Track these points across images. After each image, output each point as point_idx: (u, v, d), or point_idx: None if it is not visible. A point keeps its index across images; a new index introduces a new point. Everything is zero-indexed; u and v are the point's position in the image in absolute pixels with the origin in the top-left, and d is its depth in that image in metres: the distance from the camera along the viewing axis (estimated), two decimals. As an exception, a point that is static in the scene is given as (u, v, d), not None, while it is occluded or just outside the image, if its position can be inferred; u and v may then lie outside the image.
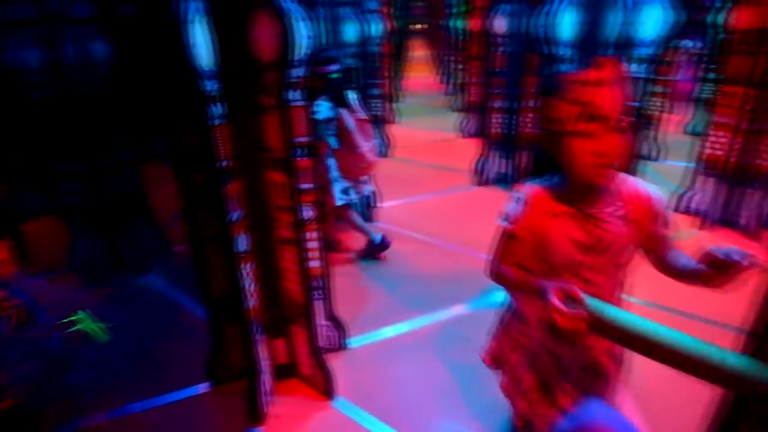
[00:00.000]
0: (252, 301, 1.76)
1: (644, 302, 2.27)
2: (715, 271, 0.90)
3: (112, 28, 2.64)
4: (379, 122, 5.14)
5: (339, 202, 2.88)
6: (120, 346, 1.50)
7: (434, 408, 1.86)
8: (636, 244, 1.06)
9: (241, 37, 1.49)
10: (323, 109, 2.72)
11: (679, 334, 0.86)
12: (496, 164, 4.26)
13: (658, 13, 2.37)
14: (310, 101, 2.21)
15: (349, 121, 2.78)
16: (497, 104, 4.10)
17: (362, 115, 2.89)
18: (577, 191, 1.03)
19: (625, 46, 2.47)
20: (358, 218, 3.04)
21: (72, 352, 1.43)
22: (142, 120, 3.79)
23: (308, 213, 1.78)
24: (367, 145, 2.88)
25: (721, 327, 2.12)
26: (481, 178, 4.31)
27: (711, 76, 3.88)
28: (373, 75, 4.73)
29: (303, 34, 1.53)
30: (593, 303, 0.90)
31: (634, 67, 2.56)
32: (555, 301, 0.91)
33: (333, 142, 2.82)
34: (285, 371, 2.00)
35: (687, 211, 3.35)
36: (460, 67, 6.84)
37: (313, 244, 1.84)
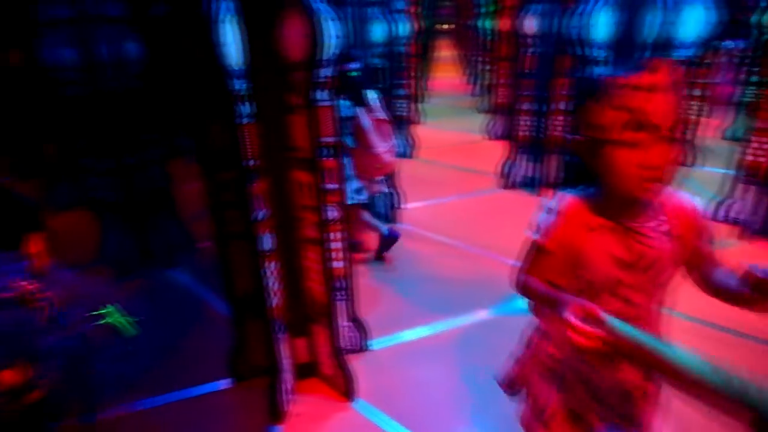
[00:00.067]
0: (275, 299, 1.77)
1: (686, 316, 2.15)
2: (757, 294, 0.84)
3: (144, 28, 2.70)
4: (403, 123, 5.12)
5: (350, 201, 2.87)
6: (145, 340, 1.52)
7: (454, 414, 1.83)
8: (679, 261, 0.99)
9: (271, 37, 1.49)
10: (341, 107, 2.71)
11: (705, 364, 0.79)
12: (523, 167, 4.18)
13: (700, 12, 2.27)
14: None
15: (366, 120, 2.76)
16: (525, 106, 4.02)
17: (381, 115, 2.86)
18: (618, 204, 0.96)
19: (663, 47, 2.38)
20: (368, 216, 3.02)
21: (100, 344, 1.46)
22: (170, 117, 3.87)
23: (333, 213, 1.77)
24: (383, 146, 2.84)
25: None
26: (507, 181, 4.24)
27: (753, 78, 3.72)
28: (399, 75, 4.71)
29: (332, 34, 1.52)
30: (615, 323, 0.85)
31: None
32: (571, 317, 0.85)
33: (349, 141, 2.81)
34: (306, 370, 2.00)
35: (725, 220, 3.21)
36: (488, 67, 6.76)
37: (336, 245, 1.83)
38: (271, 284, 1.73)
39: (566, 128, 3.71)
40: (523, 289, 1.08)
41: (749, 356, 2.02)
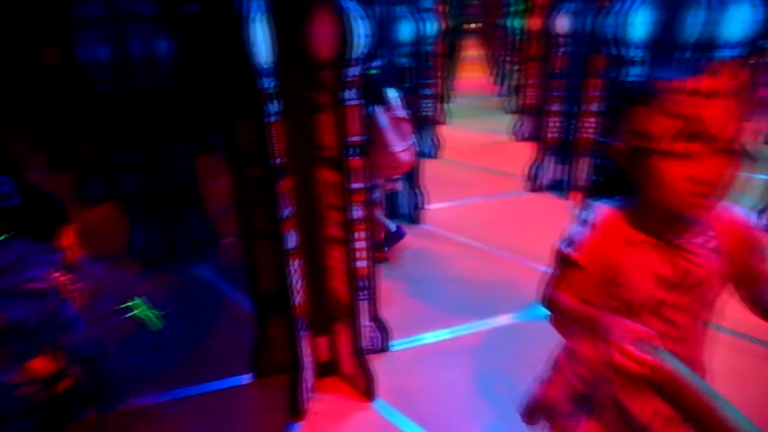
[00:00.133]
0: (298, 297, 1.77)
1: (734, 332, 2.05)
2: None
3: (175, 26, 2.74)
4: (429, 123, 5.08)
5: None
6: (169, 333, 1.54)
7: (472, 418, 1.80)
8: (727, 278, 0.92)
9: (300, 35, 1.49)
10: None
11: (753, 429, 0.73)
12: (551, 170, 4.09)
13: (746, 11, 2.16)
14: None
15: (382, 118, 2.73)
16: (555, 107, 3.93)
17: (401, 113, 2.82)
18: (661, 218, 0.87)
19: (706, 47, 2.27)
20: (378, 213, 2.99)
21: (127, 336, 1.49)
22: (199, 113, 3.93)
23: (358, 213, 1.76)
24: (401, 145, 2.81)
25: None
26: (535, 183, 4.16)
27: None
28: (425, 75, 4.67)
29: (361, 33, 1.51)
30: (669, 357, 0.78)
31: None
32: (620, 339, 0.78)
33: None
34: (326, 369, 2.00)
35: (766, 230, 3.08)
36: (516, 67, 6.65)
37: (361, 244, 1.82)
38: (294, 282, 1.73)
39: (597, 130, 3.61)
40: (552, 305, 1.01)
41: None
